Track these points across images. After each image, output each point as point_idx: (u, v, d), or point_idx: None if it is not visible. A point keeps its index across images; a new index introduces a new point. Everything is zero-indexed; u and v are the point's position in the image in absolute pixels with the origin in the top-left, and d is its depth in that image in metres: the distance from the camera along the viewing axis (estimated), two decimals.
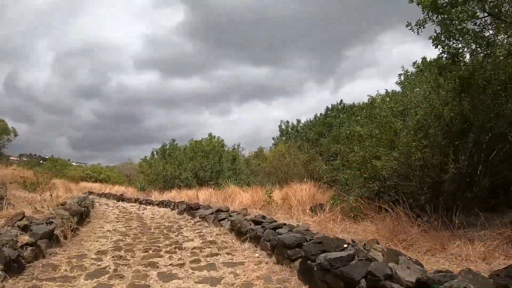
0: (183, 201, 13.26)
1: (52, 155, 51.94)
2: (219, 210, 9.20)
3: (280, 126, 25.92)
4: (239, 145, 24.87)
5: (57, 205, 9.20)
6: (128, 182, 30.39)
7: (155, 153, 24.73)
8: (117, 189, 24.69)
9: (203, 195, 13.81)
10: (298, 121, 25.80)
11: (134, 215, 11.83)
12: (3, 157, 24.12)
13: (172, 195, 18.05)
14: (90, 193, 24.29)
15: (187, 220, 9.93)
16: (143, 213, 12.43)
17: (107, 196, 21.72)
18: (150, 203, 16.33)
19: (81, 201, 10.47)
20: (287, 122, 25.82)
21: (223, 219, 8.23)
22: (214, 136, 24.86)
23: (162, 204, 14.83)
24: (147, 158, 24.23)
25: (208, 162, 21.94)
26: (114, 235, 7.63)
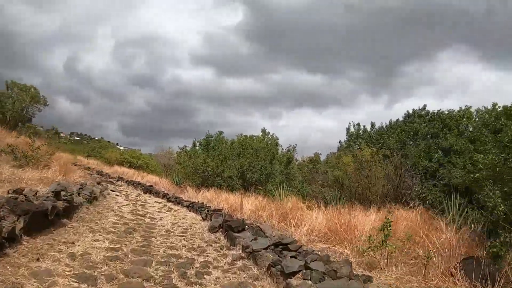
0: (220, 210, 9.31)
1: (101, 137, 50.48)
2: (279, 244, 5.02)
3: (348, 129, 21.34)
4: (294, 147, 20.58)
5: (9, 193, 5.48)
6: (164, 172, 27.18)
7: (197, 143, 21.08)
8: (150, 179, 21.32)
9: (249, 205, 9.71)
10: (373, 124, 21.04)
11: (146, 221, 8.00)
12: (30, 127, 21.75)
13: (209, 196, 14.24)
14: (120, 178, 21.20)
15: (221, 249, 5.85)
16: (161, 219, 8.59)
17: (135, 185, 18.36)
18: (179, 202, 12.57)
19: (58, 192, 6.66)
20: (358, 124, 21.14)
21: (294, 273, 3.99)
22: (268, 132, 20.79)
23: (192, 207, 10.99)
24: (187, 148, 20.64)
25: (258, 162, 17.88)
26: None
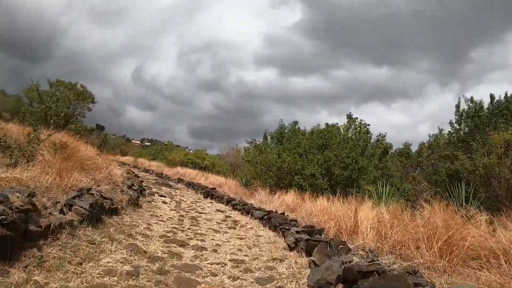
0: (315, 228, 5.28)
1: (170, 141, 49.04)
2: None
3: (458, 106, 15.94)
4: (384, 135, 15.74)
5: None
6: (232, 172, 23.84)
7: (268, 136, 17.20)
8: (214, 180, 17.89)
9: (368, 219, 5.45)
10: (492, 96, 15.46)
11: (186, 257, 4.17)
12: (79, 123, 19.67)
13: (288, 200, 10.38)
14: (179, 180, 18.16)
15: None
16: (215, 250, 4.79)
17: (196, 187, 15.05)
18: (248, 211, 8.83)
19: None
20: (471, 100, 15.71)
21: None
22: (355, 118, 16.19)
23: (268, 220, 7.14)
24: (257, 141, 16.86)
25: (348, 154, 13.54)
26: None
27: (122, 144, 68.39)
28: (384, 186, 9.10)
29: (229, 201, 10.77)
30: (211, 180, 17.58)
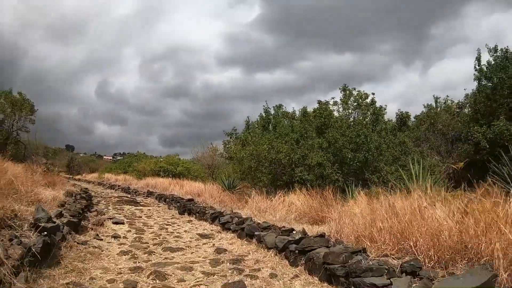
0: None
1: (140, 152, 44.85)
2: None
3: (478, 58, 13.40)
4: (385, 107, 12.82)
5: None
6: (211, 176, 20.50)
7: (250, 125, 14.03)
8: (192, 188, 14.46)
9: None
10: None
11: None
12: (19, 145, 15.54)
13: (299, 203, 7.53)
14: (149, 194, 14.73)
15: None
16: None
17: (169, 201, 11.69)
18: (250, 234, 5.58)
19: None
20: (495, 49, 13.18)
21: None
22: (352, 89, 13.17)
23: (303, 254, 3.89)
24: (237, 133, 13.60)
25: (357, 132, 10.70)
26: None
27: (91, 162, 63.61)
28: (418, 165, 6.29)
29: (215, 217, 7.52)
30: (187, 188, 14.20)
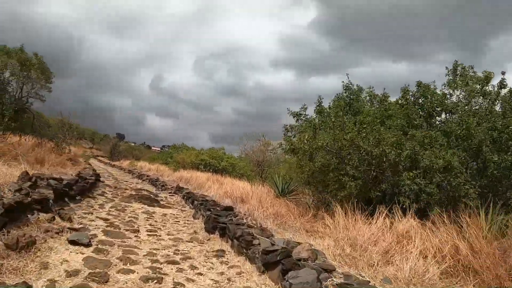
0: None
1: (184, 143, 42.64)
2: None
3: None
4: None
5: None
6: (259, 175, 16.58)
7: (323, 108, 9.74)
8: (234, 187, 10.46)
9: None
10: None
11: None
12: (28, 114, 12.15)
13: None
14: (178, 190, 11.02)
15: None
16: None
17: (199, 204, 7.82)
18: None
19: None
20: None
21: None
22: (462, 66, 8.63)
23: None
24: (307, 115, 9.40)
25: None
26: None
27: (135, 150, 62.86)
28: None
29: (274, 263, 3.48)
30: (227, 188, 10.32)
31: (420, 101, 8.52)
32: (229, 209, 6.44)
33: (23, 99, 12.05)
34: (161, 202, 8.64)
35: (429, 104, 8.17)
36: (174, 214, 7.16)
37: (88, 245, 3.92)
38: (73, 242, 3.89)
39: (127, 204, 7.54)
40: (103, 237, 4.35)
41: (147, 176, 15.93)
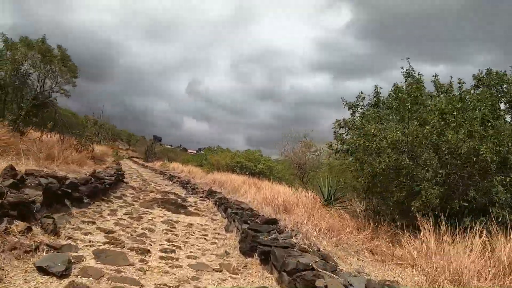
0: None
1: (220, 146, 42.06)
2: None
3: None
4: None
5: None
6: (300, 179, 14.94)
7: (380, 100, 7.95)
8: (274, 193, 8.91)
9: None
10: None
11: None
12: (50, 109, 10.98)
13: None
14: (210, 194, 9.64)
15: None
16: None
17: (235, 212, 6.34)
18: None
19: None
20: None
21: None
22: None
23: None
24: (364, 106, 7.69)
25: None
26: None
27: (170, 152, 63.11)
28: None
29: None
30: (266, 193, 8.86)
31: (495, 90, 6.73)
32: (272, 222, 4.92)
33: (45, 93, 11.10)
34: (189, 209, 7.27)
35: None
36: (202, 225, 5.74)
37: (62, 275, 2.55)
38: (41, 270, 2.54)
39: (146, 210, 6.22)
40: (92, 262, 2.97)
41: (178, 178, 14.73)
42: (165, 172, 18.35)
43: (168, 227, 5.09)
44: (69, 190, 5.07)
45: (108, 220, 4.81)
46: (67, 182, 5.21)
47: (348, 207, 8.69)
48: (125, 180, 10.14)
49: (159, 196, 8.34)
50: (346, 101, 7.33)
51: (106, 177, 7.75)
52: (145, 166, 26.08)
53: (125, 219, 5.10)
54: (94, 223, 4.45)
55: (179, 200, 8.16)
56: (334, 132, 7.93)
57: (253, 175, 19.18)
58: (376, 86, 7.74)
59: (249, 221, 4.87)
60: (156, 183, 12.64)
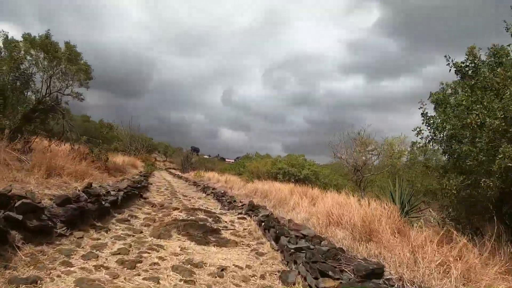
0: None
1: (257, 152, 40.51)
2: None
3: None
4: None
5: None
6: (357, 184, 12.31)
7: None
8: (334, 205, 6.50)
9: None
10: None
11: None
12: (57, 114, 9.16)
13: None
14: (252, 209, 7.35)
15: None
16: None
17: (290, 244, 4.00)
18: None
19: None
20: None
21: None
22: None
23: None
24: (472, 72, 5.24)
25: None
26: None
27: (208, 162, 61.98)
28: None
29: None
30: (325, 206, 6.42)
31: None
32: (374, 274, 2.55)
33: (53, 96, 9.33)
34: (222, 233, 5.07)
35: None
36: (241, 268, 3.49)
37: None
38: None
39: (157, 241, 4.07)
40: None
41: (213, 189, 12.60)
42: (199, 182, 16.34)
43: (183, 278, 2.89)
44: (20, 217, 3.02)
45: (73, 272, 2.68)
46: (18, 203, 3.16)
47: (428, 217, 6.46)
48: (144, 195, 8.13)
49: (183, 215, 6.21)
50: (451, 60, 4.84)
51: (111, 193, 5.71)
52: (180, 177, 24.36)
53: (108, 266, 2.96)
54: (36, 282, 2.33)
55: (210, 220, 5.99)
56: (422, 116, 5.41)
57: (297, 181, 16.83)
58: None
59: (329, 271, 2.55)
60: (186, 196, 10.58)
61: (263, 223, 5.68)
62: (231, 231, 5.44)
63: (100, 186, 5.86)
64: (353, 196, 7.90)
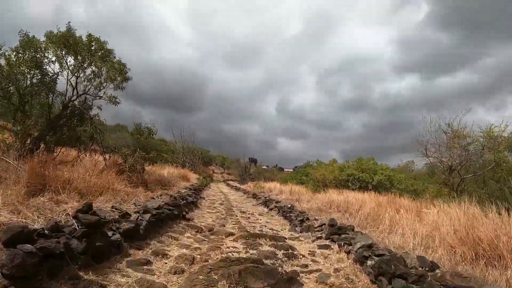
0: None
1: (317, 159, 38.27)
2: None
3: None
4: None
5: None
6: (450, 188, 9.46)
7: None
8: (452, 224, 4.10)
9: None
10: None
11: None
12: (86, 121, 7.64)
13: None
14: (341, 230, 5.14)
15: None
16: None
17: None
18: None
19: None
20: None
21: None
22: None
23: None
24: None
25: None
26: None
27: (266, 172, 60.29)
28: None
29: None
30: (452, 222, 3.95)
31: None
32: None
33: (80, 99, 7.81)
34: (304, 286, 2.91)
35: None
36: None
37: None
38: None
39: None
40: None
41: (276, 202, 10.45)
42: (259, 194, 14.31)
43: None
44: None
45: None
46: None
47: None
48: (189, 214, 6.23)
49: (239, 247, 4.16)
50: None
51: (132, 216, 3.83)
52: (238, 188, 22.61)
53: None
54: None
55: (279, 254, 3.89)
56: None
57: (366, 188, 14.32)
58: None
59: None
60: (244, 212, 8.58)
61: (366, 260, 3.46)
62: (316, 275, 3.28)
63: (112, 207, 3.96)
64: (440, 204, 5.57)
